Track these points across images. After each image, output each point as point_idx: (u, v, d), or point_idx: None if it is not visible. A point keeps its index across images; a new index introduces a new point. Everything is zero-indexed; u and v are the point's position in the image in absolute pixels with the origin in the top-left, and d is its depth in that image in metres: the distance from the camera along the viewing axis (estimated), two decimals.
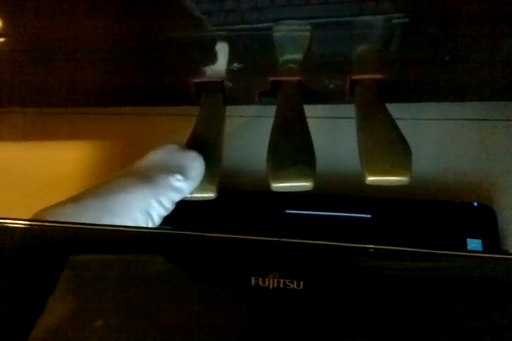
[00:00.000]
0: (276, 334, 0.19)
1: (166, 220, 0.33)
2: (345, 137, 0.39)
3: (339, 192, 0.38)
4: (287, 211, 0.37)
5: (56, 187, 0.45)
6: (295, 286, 0.20)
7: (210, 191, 0.34)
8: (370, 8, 0.46)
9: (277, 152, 0.34)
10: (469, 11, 0.39)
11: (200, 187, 0.34)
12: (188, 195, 0.34)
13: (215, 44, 0.39)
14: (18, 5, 0.39)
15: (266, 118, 0.44)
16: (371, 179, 0.31)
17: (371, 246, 0.20)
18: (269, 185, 0.32)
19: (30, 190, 0.46)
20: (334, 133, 0.42)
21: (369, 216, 0.36)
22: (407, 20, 0.44)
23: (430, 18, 0.43)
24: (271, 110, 0.38)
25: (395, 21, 0.43)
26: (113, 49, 0.39)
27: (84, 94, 0.42)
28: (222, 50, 0.39)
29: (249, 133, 0.44)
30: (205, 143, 0.36)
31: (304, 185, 0.32)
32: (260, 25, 0.46)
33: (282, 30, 0.42)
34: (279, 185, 0.32)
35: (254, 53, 0.38)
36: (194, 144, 0.36)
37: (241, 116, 0.46)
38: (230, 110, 0.40)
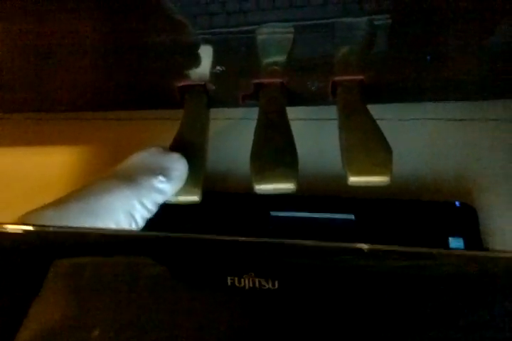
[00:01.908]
0: (252, 334, 0.20)
1: (152, 223, 0.34)
2: (328, 139, 0.39)
3: (323, 193, 0.38)
4: (273, 213, 0.37)
5: (43, 191, 0.45)
6: (270, 286, 0.20)
7: (195, 194, 0.34)
8: (353, 10, 0.47)
9: (260, 154, 0.34)
10: (449, 11, 0.39)
11: (184, 191, 0.34)
12: (173, 199, 0.34)
13: (198, 47, 0.39)
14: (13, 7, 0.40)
15: (251, 120, 0.44)
16: (353, 179, 0.31)
17: (346, 244, 0.20)
18: (252, 186, 0.33)
19: (17, 195, 0.46)
20: (317, 135, 0.42)
21: (352, 216, 0.36)
22: (389, 21, 0.45)
23: (411, 18, 0.44)
24: (256, 112, 0.38)
25: (377, 23, 0.43)
26: (96, 53, 0.39)
27: (69, 98, 0.42)
28: (205, 53, 0.39)
29: (235, 135, 0.45)
30: (189, 146, 0.36)
31: (286, 186, 0.32)
32: (244, 28, 0.46)
33: (266, 33, 0.43)
34: (262, 187, 0.32)
35: (237, 56, 0.39)
36: (178, 147, 0.36)
37: (226, 119, 0.46)
38: (215, 113, 0.40)
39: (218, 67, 0.38)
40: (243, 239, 0.20)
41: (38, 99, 0.44)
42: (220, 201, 0.39)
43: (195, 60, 0.39)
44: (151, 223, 0.39)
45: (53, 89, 0.42)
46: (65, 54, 0.39)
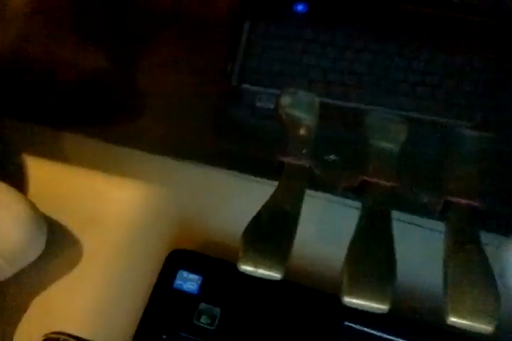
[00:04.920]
0: None
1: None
2: (424, 251, 0.37)
3: (411, 315, 0.35)
4: (347, 323, 0.34)
5: (99, 224, 0.44)
6: None
7: (277, 271, 0.31)
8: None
9: (357, 262, 0.32)
10: None
11: (268, 265, 0.31)
12: (253, 269, 0.31)
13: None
14: None
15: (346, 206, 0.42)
16: (453, 320, 0.29)
17: None
18: (340, 295, 0.30)
19: (73, 222, 0.44)
20: (417, 244, 0.39)
21: None
22: None
23: None
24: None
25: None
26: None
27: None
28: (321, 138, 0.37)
29: (326, 219, 0.42)
30: (280, 214, 0.34)
31: (379, 307, 0.30)
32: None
33: (378, 126, 0.41)
34: (351, 301, 0.30)
35: (351, 148, 0.37)
36: (266, 217, 0.33)
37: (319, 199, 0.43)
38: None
39: (332, 156, 0.37)
40: None
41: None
42: (294, 293, 0.36)
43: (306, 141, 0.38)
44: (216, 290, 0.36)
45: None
46: None
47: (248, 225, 0.33)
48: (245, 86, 0.49)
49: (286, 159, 0.38)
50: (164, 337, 0.33)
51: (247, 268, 0.31)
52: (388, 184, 0.36)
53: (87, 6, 0.50)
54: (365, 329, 0.34)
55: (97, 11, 0.51)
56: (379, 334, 0.34)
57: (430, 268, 0.33)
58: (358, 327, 0.34)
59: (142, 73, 0.49)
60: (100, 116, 0.48)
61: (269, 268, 0.31)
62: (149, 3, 0.52)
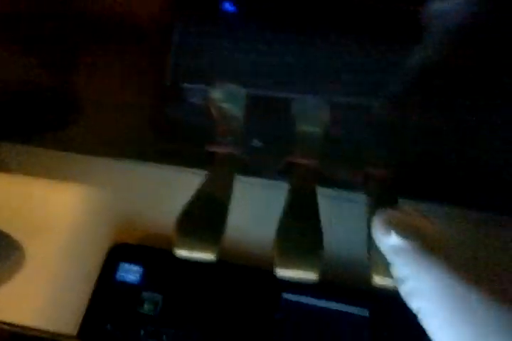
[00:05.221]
0: None
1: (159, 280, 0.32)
2: (355, 223, 0.39)
3: (342, 281, 0.37)
4: (284, 295, 0.36)
5: (44, 230, 0.44)
6: None
7: (211, 252, 0.32)
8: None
9: (285, 236, 0.34)
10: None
11: (201, 247, 0.33)
12: (188, 253, 0.32)
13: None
14: None
15: (276, 189, 0.44)
16: (377, 281, 0.31)
17: None
18: (273, 268, 0.32)
19: (17, 229, 0.45)
20: (345, 217, 0.42)
21: (366, 312, 0.35)
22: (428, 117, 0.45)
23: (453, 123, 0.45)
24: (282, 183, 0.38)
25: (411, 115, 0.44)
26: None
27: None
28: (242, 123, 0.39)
29: (257, 202, 0.44)
30: (210, 201, 0.36)
31: (308, 277, 0.32)
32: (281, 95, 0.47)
33: (301, 109, 0.43)
34: (283, 273, 0.32)
35: (275, 132, 0.39)
36: (199, 200, 0.35)
37: (247, 183, 0.45)
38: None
39: (257, 142, 0.38)
40: None
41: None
42: (231, 273, 0.38)
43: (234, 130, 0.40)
44: (157, 278, 0.38)
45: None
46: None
47: (181, 212, 0.35)
48: (180, 84, 0.51)
49: (215, 148, 0.40)
50: (108, 326, 0.34)
51: (182, 252, 0.33)
52: (311, 163, 0.39)
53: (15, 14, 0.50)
54: (301, 298, 0.36)
55: (26, 19, 0.51)
56: (314, 302, 0.36)
57: (356, 238, 0.35)
58: (293, 297, 0.36)
59: (76, 76, 0.50)
60: (34, 122, 0.48)
61: (204, 250, 0.33)
62: (81, 7, 0.52)
